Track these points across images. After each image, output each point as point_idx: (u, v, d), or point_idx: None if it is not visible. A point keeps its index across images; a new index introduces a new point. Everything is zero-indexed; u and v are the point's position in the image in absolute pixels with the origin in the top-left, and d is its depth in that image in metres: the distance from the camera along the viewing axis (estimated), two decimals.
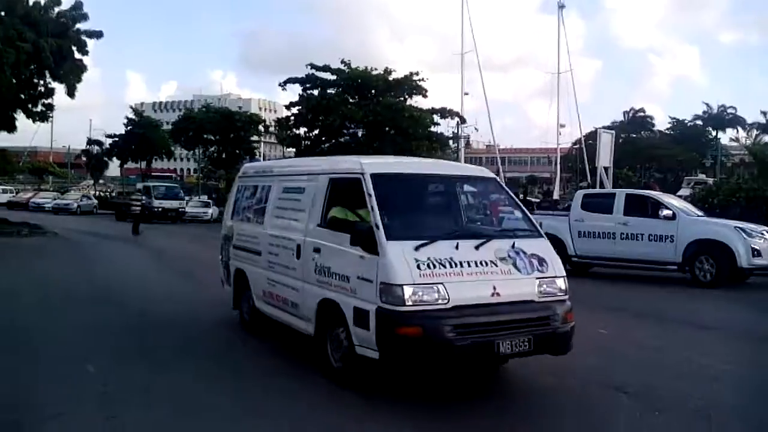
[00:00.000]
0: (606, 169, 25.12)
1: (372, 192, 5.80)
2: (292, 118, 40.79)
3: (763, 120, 61.65)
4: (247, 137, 50.35)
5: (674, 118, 77.50)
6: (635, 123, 79.41)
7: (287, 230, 7.16)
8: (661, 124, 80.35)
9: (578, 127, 55.35)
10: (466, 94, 48.24)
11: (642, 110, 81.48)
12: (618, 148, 61.26)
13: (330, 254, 6.16)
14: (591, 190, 20.70)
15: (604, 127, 43.98)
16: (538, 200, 32.07)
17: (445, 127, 43.58)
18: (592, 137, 62.12)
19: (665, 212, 14.07)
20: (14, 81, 24.75)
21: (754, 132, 62.49)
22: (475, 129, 54.82)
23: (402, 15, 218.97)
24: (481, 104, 73.48)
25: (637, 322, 10.29)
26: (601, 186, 24.54)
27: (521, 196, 29.72)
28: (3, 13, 25.39)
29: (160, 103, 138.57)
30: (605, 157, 24.86)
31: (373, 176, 6.00)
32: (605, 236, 14.84)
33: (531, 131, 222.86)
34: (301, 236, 6.74)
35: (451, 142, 44.51)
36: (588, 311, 11.28)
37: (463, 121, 43.06)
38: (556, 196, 44.58)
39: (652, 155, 70.79)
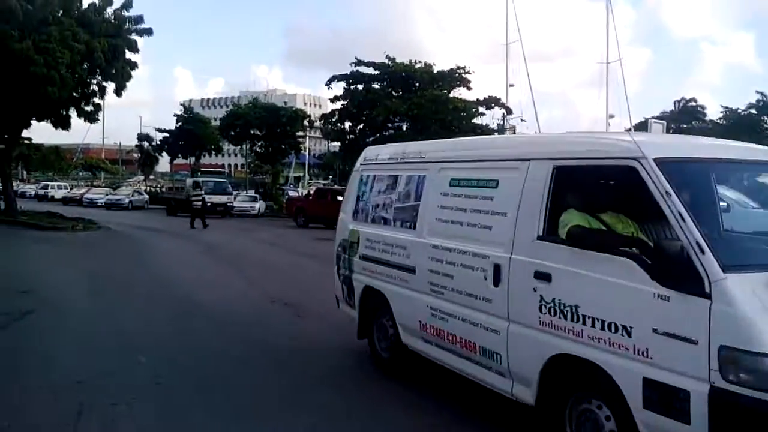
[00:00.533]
0: None
1: (670, 189, 3.63)
2: (337, 112, 41.03)
3: None
4: (293, 132, 50.71)
5: (727, 108, 74.84)
6: (686, 113, 77.02)
7: (470, 241, 5.03)
8: (714, 113, 77.65)
9: (628, 118, 54.21)
10: (512, 85, 47.70)
11: (693, 100, 78.73)
12: None
13: (576, 285, 4.02)
14: None
15: (654, 118, 42.83)
16: None
17: (490, 118, 43.19)
18: (642, 128, 60.78)
19: (720, 204, 13.66)
20: (69, 80, 25.39)
21: None
22: (522, 120, 54.09)
23: (446, 6, 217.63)
24: (527, 95, 72.76)
25: None
26: None
27: None
28: (60, 14, 26.10)
29: (208, 99, 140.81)
30: None
31: (662, 163, 3.78)
32: None
33: (579, 122, 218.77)
34: (503, 252, 4.61)
35: (496, 133, 44.04)
36: None
37: (509, 112, 42.61)
38: None
39: None
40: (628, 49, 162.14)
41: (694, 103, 78.27)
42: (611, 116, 52.26)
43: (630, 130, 54.07)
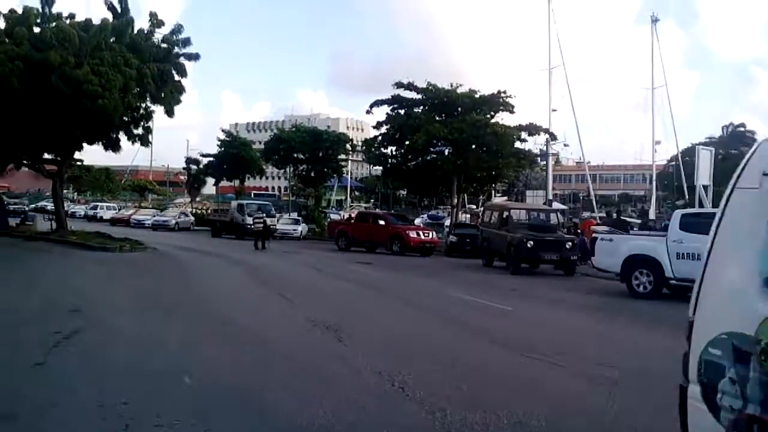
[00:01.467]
0: (705, 187, 23.97)
1: None
2: (379, 137, 41.28)
3: None
4: (335, 156, 51.27)
5: None
6: (735, 138, 75.31)
7: None
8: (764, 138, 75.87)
9: (674, 144, 53.29)
10: (554, 110, 47.20)
11: (742, 125, 77.30)
12: (717, 165, 58.73)
13: None
14: (689, 210, 19.80)
15: (701, 143, 42.15)
16: (633, 219, 30.84)
17: (533, 144, 42.89)
18: (689, 153, 59.59)
19: None
20: (119, 104, 26.18)
21: None
22: (565, 145, 53.64)
23: (489, 31, 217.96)
24: (571, 120, 72.39)
25: None
26: (700, 205, 23.42)
27: (614, 215, 28.83)
28: (113, 40, 27.00)
29: (254, 123, 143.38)
30: (704, 174, 23.74)
31: None
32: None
33: (624, 147, 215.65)
34: None
35: (539, 159, 43.74)
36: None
37: (552, 137, 42.18)
38: (652, 215, 42.89)
39: None
40: (675, 73, 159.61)
41: (743, 128, 76.70)
42: (657, 142, 51.26)
43: (677, 156, 53.23)
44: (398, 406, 6.17)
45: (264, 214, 31.96)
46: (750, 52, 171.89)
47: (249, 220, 36.93)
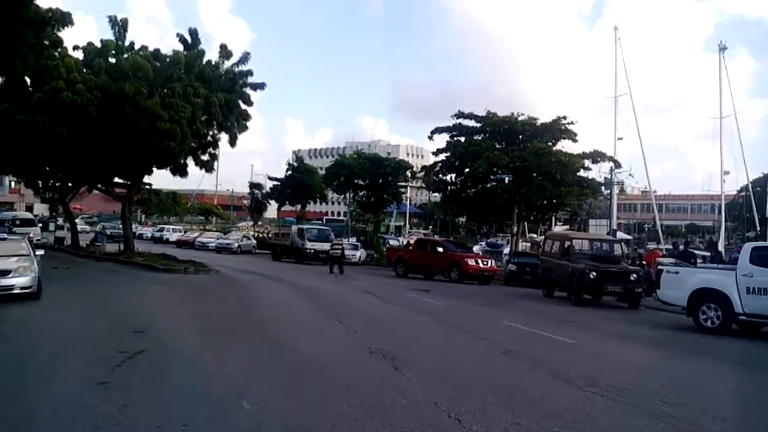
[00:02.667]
0: None
1: None
2: (439, 164, 41.30)
3: None
4: (395, 182, 51.52)
5: None
6: None
7: None
8: None
9: (744, 173, 51.40)
10: (620, 138, 46.34)
11: None
12: None
13: None
14: (761, 243, 19.01)
15: None
16: (701, 251, 29.76)
17: (596, 172, 42.08)
18: (760, 184, 57.52)
19: None
20: (188, 134, 27.10)
21: None
22: (630, 175, 52.29)
23: (553, 58, 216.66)
24: (637, 148, 70.46)
25: None
26: None
27: (682, 246, 27.93)
28: (182, 71, 28.07)
29: (316, 149, 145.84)
30: None
31: None
32: None
33: (692, 177, 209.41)
34: None
35: (603, 187, 42.83)
36: (761, 376, 10.34)
37: (617, 165, 41.33)
38: (720, 247, 41.34)
39: None
40: (747, 101, 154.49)
41: None
42: (726, 172, 49.55)
43: (747, 186, 51.31)
44: None
45: (342, 241, 32.95)
46: None
47: (309, 244, 37.51)
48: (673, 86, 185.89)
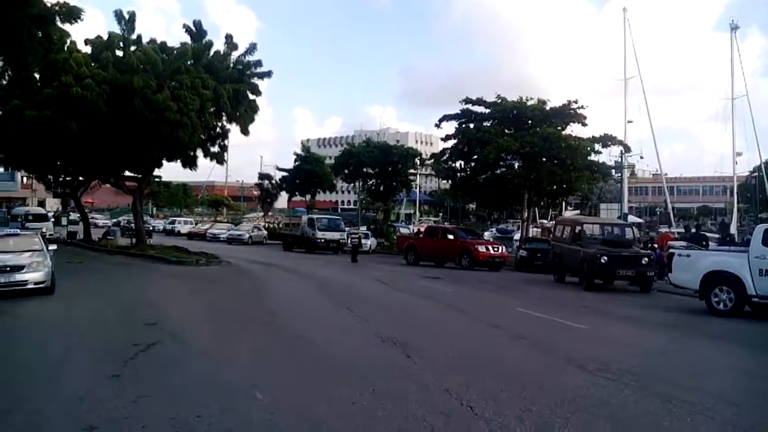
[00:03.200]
0: None
1: None
2: (448, 151, 41.18)
3: None
4: (404, 170, 51.46)
5: None
6: None
7: None
8: None
9: (757, 155, 50.92)
10: (630, 121, 45.96)
11: None
12: None
13: None
14: None
15: None
16: (713, 233, 29.58)
17: (607, 156, 41.85)
18: None
19: None
20: (197, 125, 27.15)
21: None
22: (641, 157, 52.01)
23: (562, 41, 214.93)
24: (647, 131, 69.79)
25: None
26: None
27: (693, 229, 27.75)
28: (190, 63, 28.07)
29: (324, 138, 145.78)
30: None
31: None
32: None
33: (704, 158, 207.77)
34: None
35: (613, 171, 42.58)
36: None
37: (627, 149, 41.05)
38: (733, 229, 41.05)
39: None
40: (761, 81, 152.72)
41: None
42: (739, 153, 49.11)
43: (760, 167, 50.83)
44: (466, 425, 6.09)
45: (359, 231, 33.77)
46: None
47: (319, 234, 37.60)
48: (685, 68, 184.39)
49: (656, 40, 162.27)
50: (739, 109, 47.26)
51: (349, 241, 33.05)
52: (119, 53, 28.12)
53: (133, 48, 28.19)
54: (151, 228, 50.02)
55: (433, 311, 14.99)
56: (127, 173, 33.20)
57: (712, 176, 66.94)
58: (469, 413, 6.40)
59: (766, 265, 13.81)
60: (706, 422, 6.34)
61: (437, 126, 41.21)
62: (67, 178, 38.95)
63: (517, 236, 39.29)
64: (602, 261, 19.74)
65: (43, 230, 31.13)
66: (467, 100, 38.18)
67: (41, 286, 14.56)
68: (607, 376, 8.13)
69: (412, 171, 54.68)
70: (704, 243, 21.15)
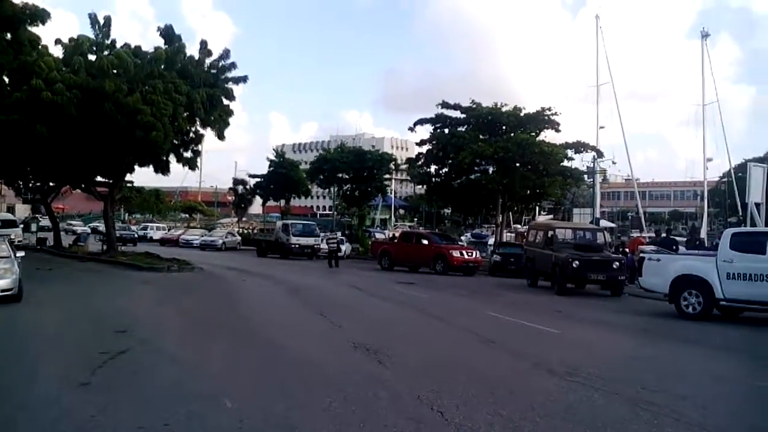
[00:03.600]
0: (757, 205, 23.28)
1: None
2: (422, 156, 41.37)
3: None
4: (379, 175, 51.55)
5: None
6: None
7: None
8: None
9: (727, 160, 51.88)
10: (602, 127, 46.73)
11: None
12: None
13: None
14: (741, 229, 19.23)
15: (755, 159, 40.91)
16: (683, 237, 30.07)
17: (579, 161, 42.35)
18: (742, 170, 57.98)
19: None
20: (170, 131, 26.87)
21: None
22: (612, 162, 52.77)
23: (538, 47, 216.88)
24: (619, 136, 70.70)
25: None
26: (752, 224, 22.73)
27: (663, 233, 28.14)
28: (163, 68, 27.81)
29: (300, 144, 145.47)
30: (756, 192, 23.09)
31: None
32: (758, 278, 13.68)
33: (675, 164, 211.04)
34: None
35: (586, 177, 43.10)
36: (741, 360, 10.47)
37: (599, 155, 41.59)
38: (703, 233, 41.77)
39: None
40: (732, 88, 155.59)
41: None
42: (709, 159, 50.13)
43: (729, 172, 51.76)
44: (436, 431, 6.11)
45: (337, 235, 33.76)
46: None
47: (293, 239, 37.48)
48: (658, 74, 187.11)
49: (630, 47, 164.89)
50: (709, 115, 48.27)
51: (326, 246, 33.02)
52: (92, 57, 27.75)
53: (106, 52, 27.85)
54: (135, 236, 49.44)
55: (407, 317, 15.00)
56: (98, 178, 32.78)
57: (684, 181, 68.17)
58: (440, 419, 6.42)
59: (734, 269, 14.07)
60: (672, 425, 6.42)
61: (411, 129, 41.43)
62: (37, 184, 38.35)
63: (491, 241, 39.54)
64: (574, 265, 19.95)
65: (12, 236, 30.52)
66: (444, 104, 38.42)
67: (8, 293, 14.28)
68: (577, 380, 8.21)
69: (387, 176, 54.74)
70: (674, 247, 21.51)
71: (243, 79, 30.56)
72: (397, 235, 37.39)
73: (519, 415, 6.58)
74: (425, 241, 30.44)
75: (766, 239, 14.07)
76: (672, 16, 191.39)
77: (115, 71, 26.08)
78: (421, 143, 41.04)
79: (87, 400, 6.76)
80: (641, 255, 17.74)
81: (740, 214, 45.73)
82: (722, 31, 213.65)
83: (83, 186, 33.87)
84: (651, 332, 13.44)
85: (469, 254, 29.18)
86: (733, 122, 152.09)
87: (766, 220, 23.44)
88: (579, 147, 39.03)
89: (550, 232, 22.87)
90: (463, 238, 45.16)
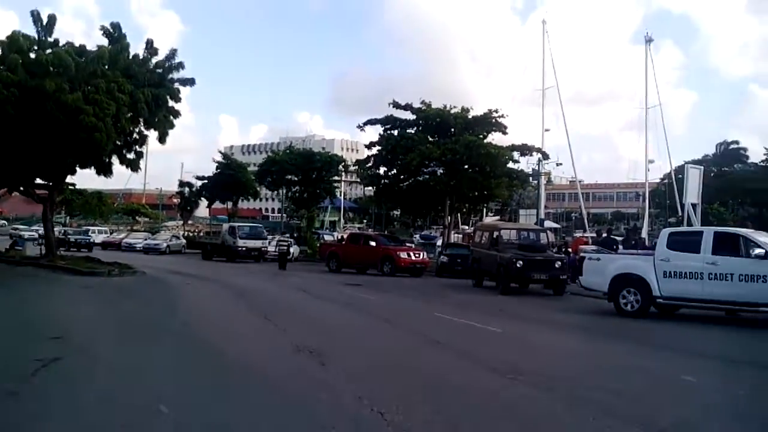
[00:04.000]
0: (694, 205, 24.12)
1: None
2: (372, 158, 41.48)
3: None
4: (328, 177, 51.45)
5: None
6: (728, 156, 76.20)
7: None
8: (757, 156, 76.39)
9: (668, 162, 53.56)
10: (547, 130, 47.83)
11: (736, 142, 78.29)
12: (709, 183, 58.95)
13: None
14: (677, 228, 19.89)
15: (694, 161, 42.46)
16: (622, 237, 30.89)
17: (526, 163, 43.12)
18: (682, 171, 59.97)
19: (757, 251, 13.35)
20: (112, 131, 26.18)
21: None
22: (558, 164, 54.02)
23: (488, 51, 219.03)
24: (564, 139, 72.49)
25: (728, 369, 9.65)
26: (689, 223, 23.53)
27: (604, 233, 28.85)
28: (106, 67, 27.09)
29: (249, 145, 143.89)
30: (693, 193, 23.92)
31: None
32: (693, 276, 14.14)
33: (619, 166, 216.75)
34: None
35: (531, 179, 43.90)
36: (674, 356, 10.82)
37: (545, 157, 42.43)
38: (644, 233, 43.00)
39: (746, 189, 67.62)
40: (674, 92, 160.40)
41: (736, 146, 77.44)
42: (651, 161, 51.78)
43: (669, 174, 53.46)
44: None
45: (289, 238, 33.65)
46: (748, 69, 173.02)
47: (240, 242, 37.05)
48: (603, 78, 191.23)
49: (577, 52, 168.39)
50: (652, 118, 49.72)
51: (276, 249, 32.79)
52: (32, 56, 26.83)
53: (48, 51, 26.96)
54: (91, 240, 47.50)
55: (352, 318, 14.98)
56: (38, 180, 31.72)
57: (626, 183, 69.94)
58: (379, 419, 6.41)
59: (671, 268, 14.52)
60: (606, 420, 6.57)
61: (360, 129, 41.60)
62: None
63: (440, 242, 39.85)
64: (518, 265, 20.28)
65: None
66: (395, 104, 38.68)
67: None
68: (518, 378, 8.34)
69: (336, 178, 54.65)
70: (615, 247, 22.05)
71: (190, 82, 29.96)
72: (345, 236, 37.31)
73: (458, 414, 6.65)
74: (373, 243, 30.48)
75: (700, 238, 14.54)
76: (617, 22, 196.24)
77: (55, 70, 25.28)
78: (371, 145, 41.20)
79: (16, 410, 6.53)
80: (582, 255, 18.15)
81: (679, 214, 47.40)
82: (666, 37, 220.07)
83: (22, 188, 32.74)
84: (590, 330, 13.78)
85: (417, 255, 29.35)
86: (674, 125, 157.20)
87: (704, 219, 24.30)
88: (525, 149, 39.79)
89: (496, 233, 23.20)
90: (415, 238, 45.39)
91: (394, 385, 7.86)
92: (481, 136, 38.23)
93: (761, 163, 73.62)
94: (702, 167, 27.35)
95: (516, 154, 39.69)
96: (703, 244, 14.22)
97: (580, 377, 8.71)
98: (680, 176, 52.22)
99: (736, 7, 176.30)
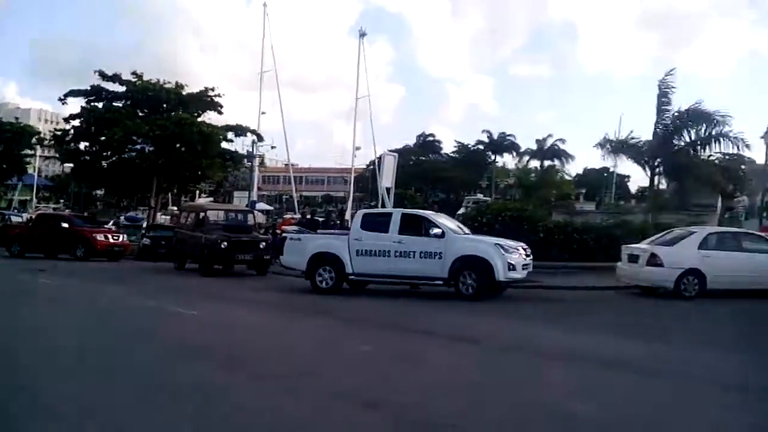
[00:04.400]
0: (388, 189, 26.13)
1: None
2: (72, 130, 38.02)
3: (535, 147, 67.84)
4: (18, 151, 45.99)
5: (459, 143, 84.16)
6: (425, 146, 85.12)
7: None
8: (449, 148, 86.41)
9: (373, 150, 57.36)
10: (263, 113, 47.93)
11: (432, 135, 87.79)
12: (408, 170, 64.63)
13: None
14: (370, 210, 21.35)
15: (396, 150, 45.99)
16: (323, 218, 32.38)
17: (241, 145, 42.96)
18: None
19: (435, 231, 14.84)
20: None
21: (526, 158, 68.70)
22: (272, 147, 54.73)
23: (213, 29, 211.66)
24: (280, 123, 73.32)
25: (402, 338, 10.51)
26: (383, 206, 25.44)
27: (308, 216, 29.88)
28: None
29: None
30: (387, 178, 25.92)
31: None
32: (381, 254, 15.23)
33: (332, 152, 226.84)
34: None
35: (246, 160, 43.83)
36: (356, 329, 11.53)
37: (260, 139, 42.65)
38: (348, 215, 45.67)
39: (438, 177, 76.06)
40: (385, 86, 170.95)
41: (432, 138, 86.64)
42: (358, 148, 55.19)
43: (374, 161, 57.34)
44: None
45: None
46: (447, 70, 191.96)
47: None
48: (322, 67, 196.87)
49: (298, 39, 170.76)
50: (362, 108, 52.64)
51: None
52: None
53: None
54: None
55: (31, 310, 13.05)
56: None
57: (336, 168, 73.39)
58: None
59: (363, 246, 15.46)
60: (294, 393, 6.69)
61: (62, 101, 37.98)
62: None
63: (146, 224, 37.79)
64: (222, 246, 19.98)
65: None
66: (101, 74, 35.75)
67: None
68: (205, 359, 8.15)
69: (29, 152, 49.09)
70: (316, 228, 22.90)
71: None
72: (33, 217, 33.38)
73: (133, 397, 6.27)
74: (66, 225, 27.60)
75: (389, 219, 15.74)
76: (338, 13, 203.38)
77: None
78: (71, 118, 37.69)
79: None
80: (283, 235, 18.49)
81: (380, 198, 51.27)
82: (381, 33, 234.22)
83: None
84: (286, 307, 14.13)
85: (115, 238, 27.34)
86: (383, 116, 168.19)
87: (400, 202, 26.45)
88: (239, 130, 39.66)
89: (201, 214, 22.60)
90: (120, 219, 42.41)
91: (72, 380, 7.11)
92: (195, 115, 37.20)
93: (451, 154, 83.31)
94: (397, 155, 29.75)
95: (230, 135, 39.37)
96: (392, 224, 15.41)
97: (269, 354, 8.84)
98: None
99: (443, 10, 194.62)
